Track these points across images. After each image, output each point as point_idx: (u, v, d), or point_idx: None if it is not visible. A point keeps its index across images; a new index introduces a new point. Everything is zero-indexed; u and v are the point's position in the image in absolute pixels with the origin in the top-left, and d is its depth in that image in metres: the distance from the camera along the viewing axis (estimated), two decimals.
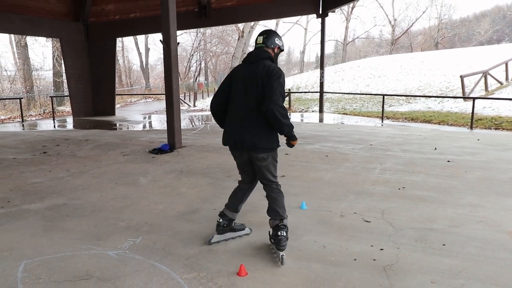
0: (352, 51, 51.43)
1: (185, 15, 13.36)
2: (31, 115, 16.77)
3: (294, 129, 3.06)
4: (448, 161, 6.37)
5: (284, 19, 35.29)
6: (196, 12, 13.42)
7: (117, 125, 12.25)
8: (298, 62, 57.40)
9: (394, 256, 3.08)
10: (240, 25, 23.43)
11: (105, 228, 3.74)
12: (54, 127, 11.91)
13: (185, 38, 39.59)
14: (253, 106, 2.97)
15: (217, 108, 3.29)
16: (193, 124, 12.41)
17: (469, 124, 10.31)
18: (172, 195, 4.79)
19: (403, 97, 16.80)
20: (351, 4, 39.97)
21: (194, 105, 22.67)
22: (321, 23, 13.68)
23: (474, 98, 10.43)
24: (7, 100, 18.92)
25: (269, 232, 3.24)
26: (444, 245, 3.28)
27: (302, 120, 13.12)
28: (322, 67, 14.16)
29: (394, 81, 21.51)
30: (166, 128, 8.02)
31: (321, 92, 14.27)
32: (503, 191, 4.73)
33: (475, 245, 3.28)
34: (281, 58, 69.56)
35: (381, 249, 3.21)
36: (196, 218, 3.98)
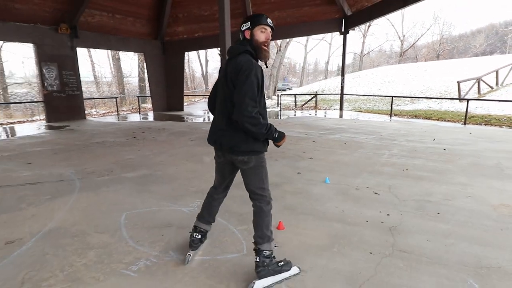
0: (367, 61, 49.44)
1: (236, 34, 13.41)
2: (123, 110, 17.52)
3: (275, 129, 2.08)
4: (444, 149, 6.10)
5: (312, 36, 34.65)
6: None
7: (185, 118, 12.64)
8: (323, 70, 56.15)
9: (398, 220, 3.07)
10: (278, 41, 23.17)
11: (180, 192, 3.94)
12: (140, 119, 12.47)
13: None
14: (227, 108, 2.06)
15: (210, 107, 2.42)
16: None
17: (463, 120, 9.74)
18: None
19: (408, 98, 16.02)
20: (368, 23, 38.44)
21: None
22: (343, 39, 13.27)
23: (468, 99, 9.80)
24: (106, 99, 19.94)
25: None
26: (438, 213, 3.22)
27: (325, 115, 12.89)
28: (343, 74, 13.84)
29: (402, 85, 20.52)
30: None
31: (342, 94, 13.96)
32: (489, 174, 4.51)
33: (464, 214, 3.19)
34: (309, 67, 68.43)
35: (388, 215, 3.20)
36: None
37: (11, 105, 15.21)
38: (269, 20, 2.11)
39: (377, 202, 3.52)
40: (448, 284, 2.11)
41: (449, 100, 13.71)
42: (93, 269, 2.32)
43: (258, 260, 2.12)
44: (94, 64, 29.48)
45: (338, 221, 3.06)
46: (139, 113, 14.34)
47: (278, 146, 2.21)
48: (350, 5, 12.52)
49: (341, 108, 14.05)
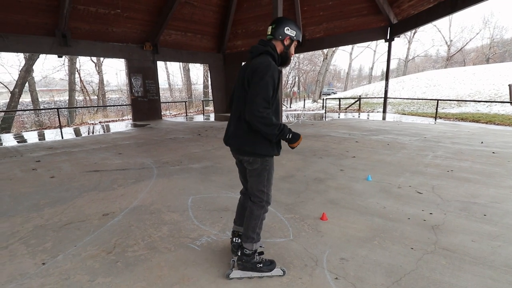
0: (412, 67, 45.54)
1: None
2: (190, 112, 18.49)
3: (289, 130, 1.84)
4: (493, 152, 5.37)
5: (357, 44, 32.96)
6: None
7: None
8: (367, 75, 53.14)
9: (441, 219, 2.79)
10: (325, 50, 22.47)
11: (236, 182, 4.02)
12: (203, 119, 13.06)
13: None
14: (239, 109, 1.89)
15: (230, 107, 2.12)
16: (288, 119, 12.47)
17: None
18: (276, 165, 4.92)
19: (454, 102, 14.40)
20: (414, 30, 35.37)
21: (290, 106, 22.62)
22: (388, 46, 12.38)
23: None
24: (177, 103, 21.22)
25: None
26: (485, 215, 2.85)
27: (368, 118, 12.19)
28: (387, 79, 12.93)
29: (448, 89, 18.51)
30: None
31: (385, 97, 13.06)
32: None
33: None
34: (354, 73, 65.00)
35: (430, 213, 2.92)
36: (292, 180, 4.05)
37: (108, 107, 16.93)
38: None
39: (419, 201, 3.24)
40: (492, 284, 1.87)
41: (499, 103, 12.01)
42: (166, 241, 2.50)
43: (239, 254, 2.03)
44: (169, 74, 31.72)
45: (379, 216, 2.88)
46: (203, 115, 15.03)
47: (292, 148, 1.93)
48: (396, 14, 11.63)
49: (384, 111, 13.17)
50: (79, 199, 3.48)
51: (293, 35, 1.95)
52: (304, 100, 24.56)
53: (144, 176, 4.36)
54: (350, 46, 35.62)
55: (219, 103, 14.92)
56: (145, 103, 11.92)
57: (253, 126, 1.79)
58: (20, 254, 2.31)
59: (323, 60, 23.22)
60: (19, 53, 13.86)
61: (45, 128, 11.73)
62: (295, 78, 38.76)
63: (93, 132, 9.56)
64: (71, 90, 16.32)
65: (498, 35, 34.07)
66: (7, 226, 2.81)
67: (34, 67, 13.42)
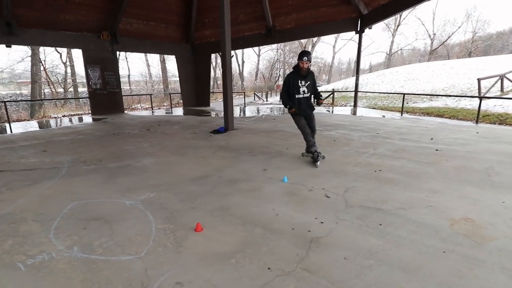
0: (399, 60, 45.50)
1: (256, 36, 12.98)
2: (164, 105, 17.91)
3: (290, 107, 4.19)
4: (437, 149, 5.10)
5: (342, 36, 32.63)
6: (264, 33, 12.86)
7: (206, 113, 12.43)
8: (349, 69, 52.93)
9: (328, 230, 2.48)
10: (303, 41, 21.98)
11: (139, 184, 3.67)
12: (166, 113, 12.54)
13: (270, 53, 38.94)
14: None
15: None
16: (257, 113, 12.08)
17: (476, 119, 8.28)
18: (201, 164, 4.57)
19: (427, 96, 14.24)
20: (397, 22, 35.03)
21: (266, 100, 22.16)
22: (359, 38, 12.07)
23: (481, 97, 8.27)
24: (143, 95, 20.44)
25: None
26: (380, 225, 2.55)
27: (333, 112, 11.90)
28: (357, 73, 12.74)
29: (425, 83, 18.37)
30: (237, 116, 7.80)
31: (356, 91, 12.81)
32: (470, 180, 3.58)
33: (410, 228, 2.48)
34: (343, 66, 65.24)
35: (321, 222, 2.61)
36: (202, 183, 3.69)
37: (80, 100, 16.23)
38: (305, 58, 3.97)
39: (321, 207, 2.93)
40: None
41: (469, 97, 11.86)
42: (5, 256, 2.12)
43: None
44: (149, 66, 30.87)
45: (262, 226, 2.55)
46: (171, 108, 14.52)
47: (290, 114, 4.31)
48: (366, 4, 11.26)
49: (355, 105, 12.91)
50: None
51: (298, 58, 4.09)
52: (267, 93, 24.09)
53: (45, 178, 3.95)
54: (333, 39, 35.24)
55: (188, 96, 14.42)
56: (104, 96, 11.35)
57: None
58: None
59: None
60: None
61: None
62: (279, 71, 38.17)
63: (46, 126, 9.01)
64: (33, 82, 15.52)
65: (480, 29, 34.03)
66: None
67: None
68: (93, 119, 10.27)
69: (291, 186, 3.52)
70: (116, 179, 3.87)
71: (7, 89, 21.37)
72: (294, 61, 37.46)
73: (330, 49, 39.93)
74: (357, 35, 12.10)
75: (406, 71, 22.54)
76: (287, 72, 44.75)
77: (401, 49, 40.00)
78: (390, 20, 34.79)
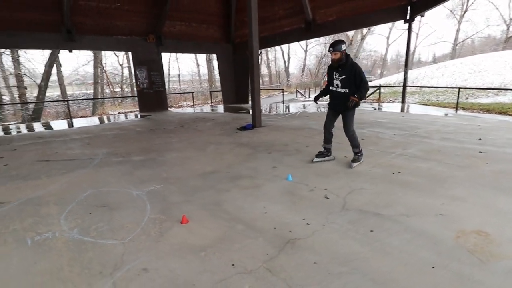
0: (468, 50, 40.23)
1: (295, 31, 12.78)
2: (207, 103, 18.68)
3: (317, 96, 4.20)
4: (480, 151, 4.45)
5: (397, 25, 30.15)
6: (303, 28, 12.56)
7: (244, 110, 12.60)
8: (416, 61, 48.22)
9: (311, 232, 2.38)
10: (349, 34, 20.82)
11: (152, 177, 3.94)
12: (206, 110, 13.08)
13: (317, 48, 37.86)
14: None
15: None
16: (293, 110, 11.88)
17: None
18: (216, 159, 4.70)
19: (493, 90, 12.39)
20: (464, 8, 30.92)
21: (309, 97, 21.52)
22: (408, 28, 11.04)
23: None
24: (199, 92, 21.56)
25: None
26: (371, 231, 2.36)
27: (378, 109, 11.09)
28: (406, 65, 11.61)
29: (494, 75, 16.00)
30: (273, 113, 7.82)
31: (404, 86, 11.73)
32: (507, 188, 3.06)
33: (405, 237, 2.25)
34: (401, 59, 59.78)
35: (307, 224, 2.51)
36: (209, 178, 3.80)
37: (130, 98, 17.91)
38: (330, 49, 3.69)
39: (314, 208, 2.81)
40: None
41: None
42: (14, 233, 2.51)
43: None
44: (199, 65, 32.55)
45: (245, 224, 2.56)
46: (211, 105, 15.10)
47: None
48: None
49: (402, 101, 11.87)
50: (1, 187, 3.70)
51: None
52: (315, 90, 23.13)
53: (79, 167, 4.48)
54: (387, 29, 32.64)
55: (228, 94, 14.84)
56: (150, 95, 12.33)
57: None
58: None
59: (348, 46, 21.60)
60: (43, 50, 15.25)
61: (64, 118, 12.84)
62: (327, 66, 36.91)
63: (101, 122, 10.19)
64: (95, 82, 17.65)
65: None
66: None
67: (62, 61, 14.65)
68: (140, 116, 11.25)
69: (293, 184, 3.44)
70: (135, 171, 4.22)
71: (79, 89, 24.67)
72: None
73: (384, 41, 37.07)
74: (407, 24, 11.10)
75: (472, 62, 19.88)
76: None
77: (469, 38, 35.32)
78: (456, 6, 30.94)
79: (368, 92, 16.36)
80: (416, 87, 17.01)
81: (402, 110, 10.61)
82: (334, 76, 3.88)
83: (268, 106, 14.56)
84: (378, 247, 2.14)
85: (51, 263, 2.08)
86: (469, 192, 3.01)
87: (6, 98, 16.03)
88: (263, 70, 37.56)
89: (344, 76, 3.77)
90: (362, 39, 22.02)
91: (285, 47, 35.32)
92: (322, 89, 4.30)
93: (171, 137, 6.65)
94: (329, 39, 32.56)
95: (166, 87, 28.57)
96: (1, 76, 15.68)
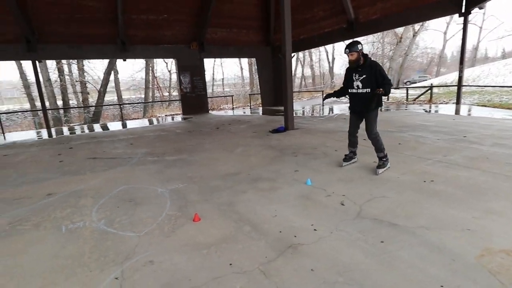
0: None
1: (336, 31, 12.45)
2: (247, 105, 18.95)
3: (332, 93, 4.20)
4: None
5: (456, 20, 27.28)
6: (344, 27, 12.16)
7: (282, 113, 12.51)
8: (482, 57, 43.13)
9: (316, 238, 2.33)
10: (398, 31, 19.42)
11: (179, 176, 4.17)
12: (243, 112, 13.34)
13: (365, 48, 36.00)
14: None
15: None
16: (329, 113, 11.52)
17: None
18: (241, 161, 4.80)
19: None
20: None
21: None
22: (464, 22, 10.00)
23: None
24: (241, 95, 22.04)
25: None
26: (382, 242, 2.23)
27: (428, 111, 10.19)
28: (461, 63, 10.48)
29: None
30: (310, 115, 7.78)
31: (459, 85, 10.59)
32: None
33: (419, 251, 2.08)
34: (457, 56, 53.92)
35: (315, 230, 2.46)
36: (230, 179, 3.92)
37: (176, 102, 19.07)
38: (346, 50, 3.62)
39: (327, 214, 2.73)
40: None
41: None
42: (54, 221, 2.90)
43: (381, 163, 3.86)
44: (242, 69, 33.35)
45: (253, 225, 2.60)
46: (250, 108, 15.35)
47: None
48: None
49: (457, 102, 10.73)
50: (52, 180, 4.27)
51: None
52: None
53: (119, 165, 4.95)
54: (444, 24, 29.71)
55: (266, 96, 14.96)
56: (193, 98, 13.03)
57: None
58: None
59: (397, 44, 20.16)
60: (102, 59, 17.05)
61: (119, 120, 14.20)
62: None
63: (150, 123, 11.11)
64: (147, 87, 19.23)
65: None
66: (8, 194, 3.74)
67: (119, 69, 16.22)
68: (183, 118, 11.96)
69: (311, 189, 3.37)
70: (165, 170, 4.52)
71: (133, 94, 27.17)
72: (398, 54, 33.42)
73: (441, 36, 33.91)
74: (462, 18, 10.07)
75: None
76: (388, 66, 40.46)
77: None
78: None
79: (418, 93, 15.15)
80: (476, 87, 15.24)
81: (456, 112, 9.63)
82: (354, 78, 3.76)
83: (307, 108, 14.34)
84: (385, 259, 2.01)
85: (76, 249, 2.36)
86: (510, 207, 2.64)
87: (73, 102, 18.39)
88: (307, 71, 37.03)
89: (364, 76, 3.67)
90: (414, 35, 20.39)
91: (329, 48, 34.36)
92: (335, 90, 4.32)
93: (204, 139, 6.95)
94: (377, 37, 30.98)
95: (210, 90, 30.00)
96: (69, 83, 18.04)
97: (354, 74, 3.78)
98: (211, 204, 3.12)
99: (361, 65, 3.67)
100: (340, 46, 38.63)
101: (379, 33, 23.67)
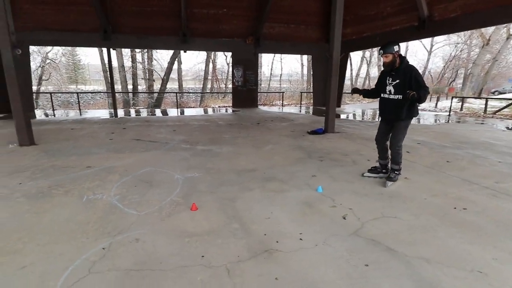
0: None
1: (405, 30, 11.41)
2: (302, 103, 18.62)
3: (360, 90, 3.86)
4: None
5: None
6: (416, 26, 11.04)
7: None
8: None
9: (298, 247, 2.28)
10: (485, 31, 16.69)
11: (200, 165, 4.39)
12: (292, 111, 13.18)
13: (445, 49, 32.17)
14: None
15: None
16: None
17: None
18: (264, 158, 4.80)
19: None
20: None
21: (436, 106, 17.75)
22: None
23: None
24: (289, 92, 21.71)
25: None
26: (366, 265, 2.06)
27: (509, 128, 8.68)
28: None
29: None
30: (359, 119, 7.49)
31: None
32: None
33: (406, 284, 1.89)
34: None
35: (301, 239, 2.40)
36: (244, 175, 3.98)
37: (228, 94, 19.83)
38: (381, 52, 3.36)
39: (320, 225, 2.61)
40: None
41: None
42: (85, 190, 3.35)
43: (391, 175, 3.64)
44: (303, 65, 32.85)
45: (242, 224, 2.63)
46: (300, 106, 15.08)
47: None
48: None
49: None
50: (97, 155, 4.90)
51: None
52: (437, 98, 18.90)
53: (155, 148, 5.42)
54: None
55: (319, 96, 14.50)
56: (243, 92, 13.36)
57: None
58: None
59: (483, 47, 17.34)
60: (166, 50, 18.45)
61: (175, 107, 15.38)
62: (456, 71, 30.82)
63: (205, 112, 11.85)
64: (205, 78, 20.31)
65: None
66: (59, 162, 4.49)
67: (183, 59, 17.52)
68: (232, 111, 12.40)
69: (318, 196, 3.24)
70: (190, 158, 4.80)
71: (193, 84, 29.06)
72: (474, 56, 28.80)
73: None
74: None
75: None
76: (469, 71, 35.11)
77: None
78: None
79: (501, 105, 12.93)
80: None
81: None
82: (387, 82, 3.44)
83: (366, 111, 13.58)
84: (359, 285, 1.85)
85: (85, 217, 2.71)
86: None
87: (142, 87, 20.53)
88: (373, 72, 34.65)
89: (397, 81, 3.35)
90: (508, 38, 17.36)
91: (401, 46, 31.45)
92: (369, 89, 4.07)
93: (240, 133, 7.13)
94: (462, 37, 27.27)
95: (267, 85, 30.34)
96: (141, 70, 20.17)
97: (388, 78, 3.49)
98: (215, 196, 3.24)
99: (396, 69, 3.37)
100: (416, 46, 34.89)
101: (464, 33, 20.80)
